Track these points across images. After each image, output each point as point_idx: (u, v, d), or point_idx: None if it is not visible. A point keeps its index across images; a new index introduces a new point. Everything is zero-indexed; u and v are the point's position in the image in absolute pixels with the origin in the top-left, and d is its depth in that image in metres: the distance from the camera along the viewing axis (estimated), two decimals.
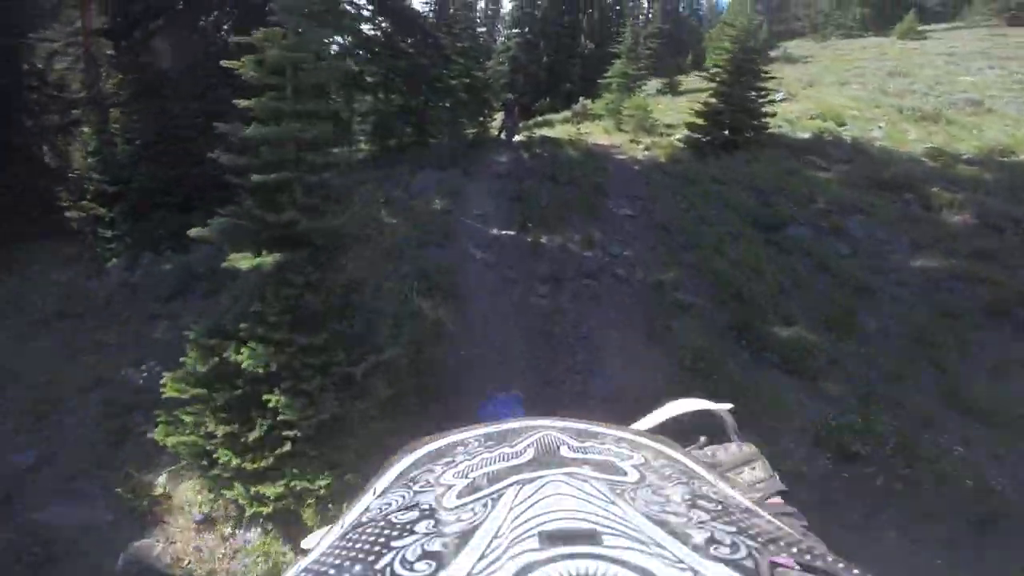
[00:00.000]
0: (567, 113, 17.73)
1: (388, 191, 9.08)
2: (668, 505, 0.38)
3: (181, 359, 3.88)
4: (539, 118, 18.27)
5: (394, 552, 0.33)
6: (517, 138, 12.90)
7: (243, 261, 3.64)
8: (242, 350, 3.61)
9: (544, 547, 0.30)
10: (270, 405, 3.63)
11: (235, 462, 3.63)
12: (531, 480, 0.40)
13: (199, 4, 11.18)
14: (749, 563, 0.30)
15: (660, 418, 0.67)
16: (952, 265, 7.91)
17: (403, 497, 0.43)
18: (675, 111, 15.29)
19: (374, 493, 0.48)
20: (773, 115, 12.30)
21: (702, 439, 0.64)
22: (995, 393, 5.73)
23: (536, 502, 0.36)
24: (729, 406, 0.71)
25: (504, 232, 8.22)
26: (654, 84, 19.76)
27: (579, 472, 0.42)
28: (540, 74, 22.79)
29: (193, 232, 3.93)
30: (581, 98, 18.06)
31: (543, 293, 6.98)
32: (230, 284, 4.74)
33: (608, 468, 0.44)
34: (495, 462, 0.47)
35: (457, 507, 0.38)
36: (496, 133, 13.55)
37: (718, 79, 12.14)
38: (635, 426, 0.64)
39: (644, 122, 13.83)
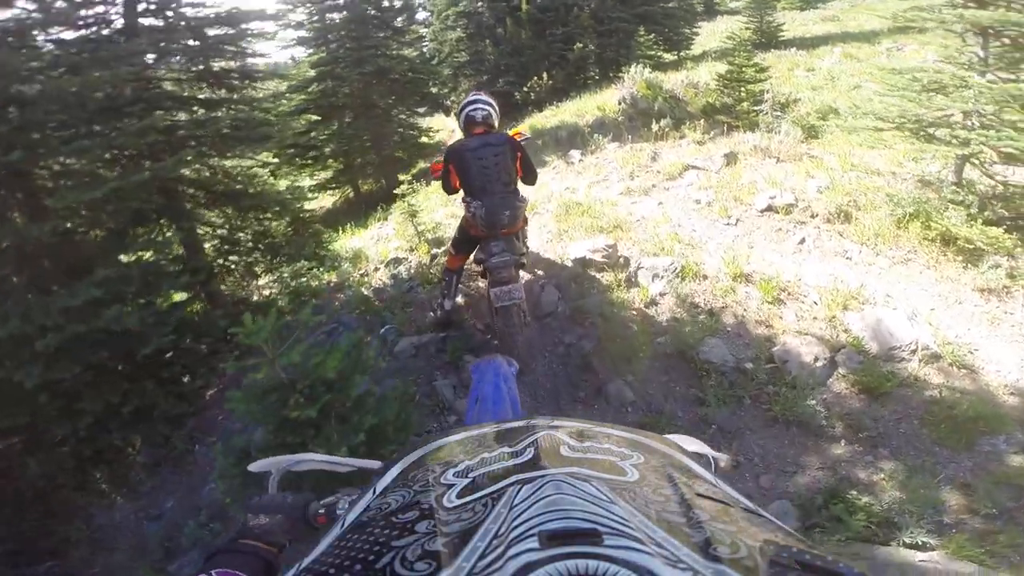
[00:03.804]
0: (613, 102, 7.41)
1: None
2: (668, 505, 0.36)
3: None
4: (537, 120, 8.21)
5: (394, 552, 0.31)
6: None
7: None
8: None
9: (544, 547, 0.28)
10: None
11: None
12: (531, 480, 0.38)
13: None
14: (749, 562, 0.29)
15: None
16: None
17: (403, 497, 0.41)
18: None
19: (374, 493, 0.47)
20: None
21: None
22: None
23: (536, 502, 0.34)
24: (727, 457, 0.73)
25: None
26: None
27: (579, 472, 0.40)
28: (522, 35, 12.69)
29: None
30: (629, 66, 8.24)
31: None
32: None
33: (608, 468, 0.42)
34: (495, 462, 0.44)
35: (457, 507, 0.37)
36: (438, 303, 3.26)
37: None
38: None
39: None
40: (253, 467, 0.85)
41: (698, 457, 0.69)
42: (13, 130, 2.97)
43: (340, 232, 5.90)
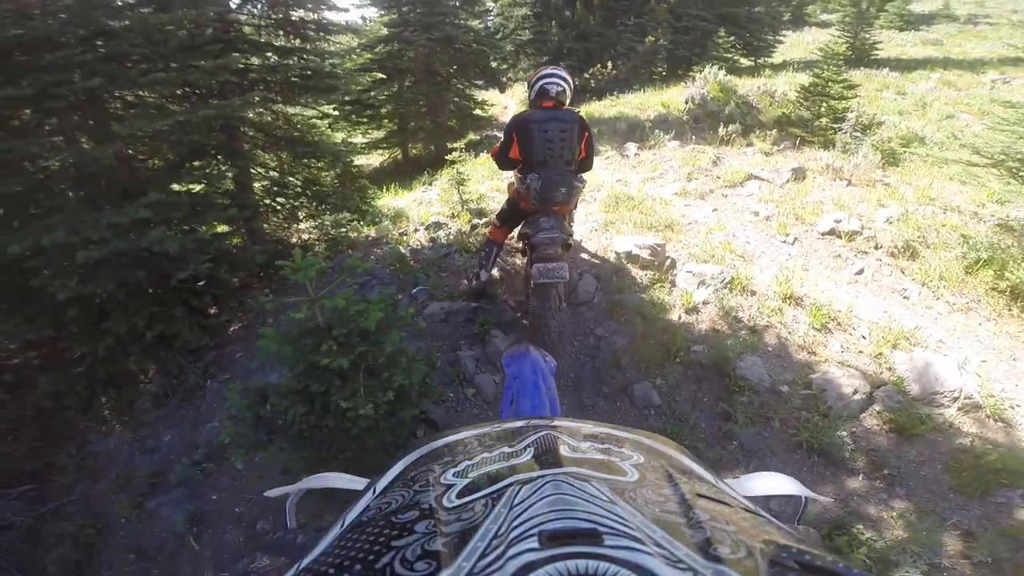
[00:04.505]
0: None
1: None
2: (668, 505, 0.36)
3: None
4: (595, 108, 7.84)
5: (394, 552, 0.31)
6: None
7: None
8: None
9: (544, 547, 0.28)
10: None
11: None
12: (531, 480, 0.38)
13: None
14: (749, 562, 0.28)
15: (760, 491, 0.59)
16: None
17: (403, 497, 0.41)
18: None
19: (374, 492, 0.46)
20: None
21: None
22: None
23: (536, 502, 0.34)
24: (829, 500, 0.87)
25: None
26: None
27: (579, 472, 0.40)
28: (590, 20, 12.32)
29: None
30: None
31: None
32: None
33: (608, 468, 0.42)
34: (495, 462, 0.44)
35: (457, 507, 0.36)
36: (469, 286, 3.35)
37: None
38: (735, 484, 0.56)
39: None
40: (270, 493, 0.81)
41: (789, 499, 0.72)
42: (98, 59, 3.04)
43: (385, 190, 5.93)
